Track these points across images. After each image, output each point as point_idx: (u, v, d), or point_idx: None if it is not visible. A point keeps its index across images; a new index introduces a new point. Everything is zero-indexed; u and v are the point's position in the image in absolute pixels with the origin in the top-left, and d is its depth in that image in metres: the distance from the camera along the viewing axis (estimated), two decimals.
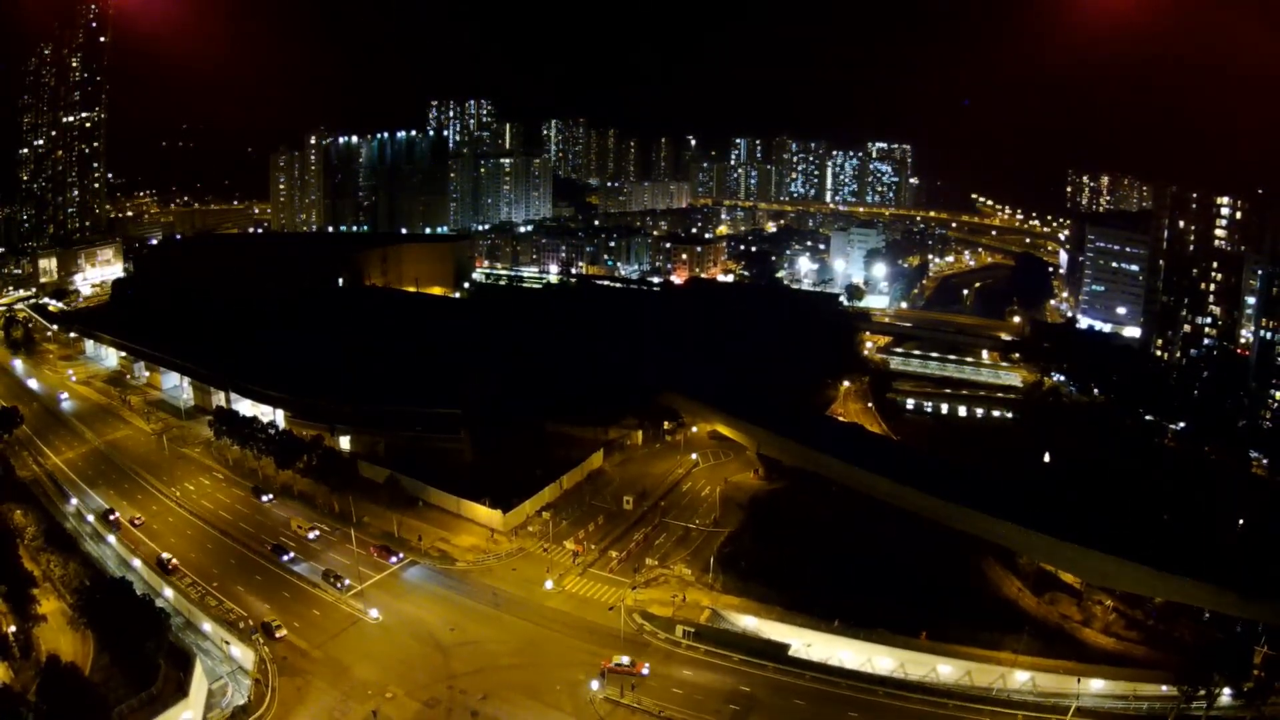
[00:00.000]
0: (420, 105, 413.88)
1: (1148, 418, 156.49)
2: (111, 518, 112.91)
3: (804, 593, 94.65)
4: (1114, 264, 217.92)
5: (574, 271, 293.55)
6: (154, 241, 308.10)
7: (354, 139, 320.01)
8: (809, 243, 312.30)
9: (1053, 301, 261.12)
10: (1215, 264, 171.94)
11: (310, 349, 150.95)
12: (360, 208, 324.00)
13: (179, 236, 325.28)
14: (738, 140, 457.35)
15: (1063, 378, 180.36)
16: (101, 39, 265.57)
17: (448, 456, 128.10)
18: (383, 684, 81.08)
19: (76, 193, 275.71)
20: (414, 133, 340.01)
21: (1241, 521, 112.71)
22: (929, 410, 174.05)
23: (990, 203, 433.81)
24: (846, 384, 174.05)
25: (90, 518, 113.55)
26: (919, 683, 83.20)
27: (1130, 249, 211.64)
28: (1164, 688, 79.67)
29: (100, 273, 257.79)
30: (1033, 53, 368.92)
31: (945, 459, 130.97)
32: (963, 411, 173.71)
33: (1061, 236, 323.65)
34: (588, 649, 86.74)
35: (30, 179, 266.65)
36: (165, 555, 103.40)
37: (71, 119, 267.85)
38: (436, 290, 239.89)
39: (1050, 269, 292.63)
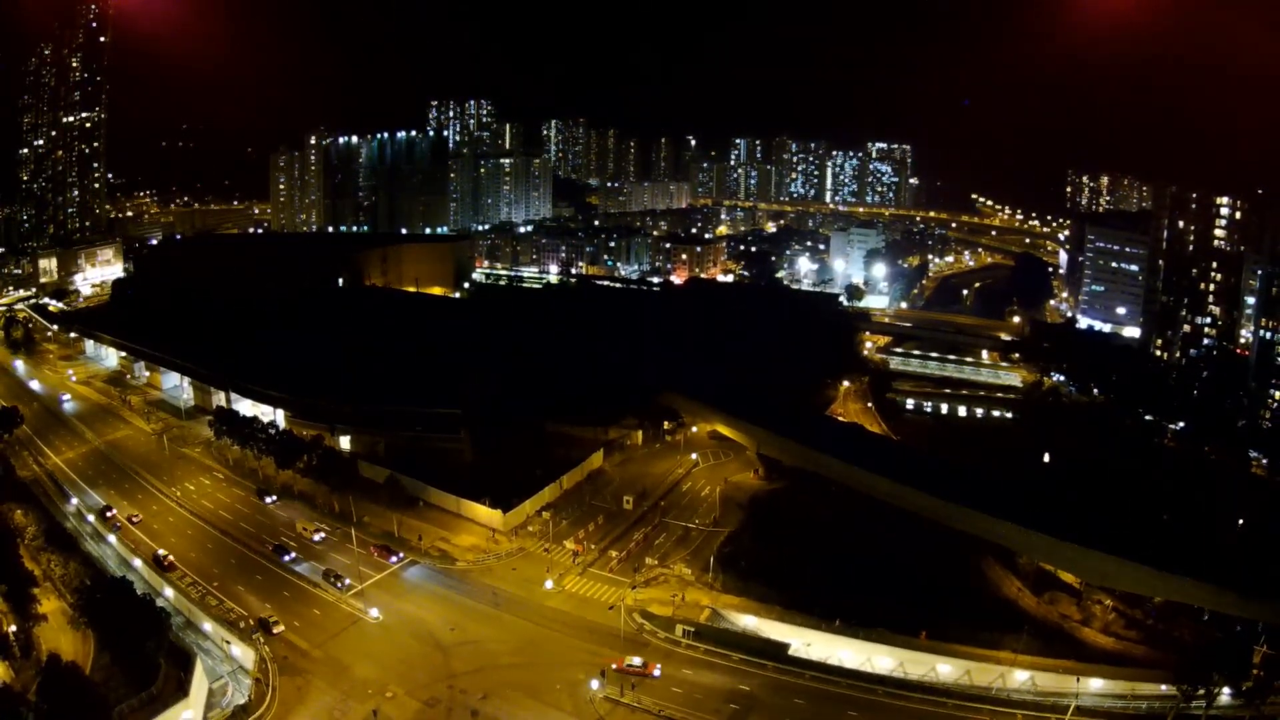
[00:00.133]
0: (420, 105, 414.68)
1: (1147, 418, 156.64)
2: (108, 515, 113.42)
3: (804, 592, 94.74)
4: (1114, 264, 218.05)
5: (574, 271, 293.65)
6: (154, 241, 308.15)
7: (354, 139, 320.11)
8: (809, 243, 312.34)
9: (1052, 301, 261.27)
10: (1215, 264, 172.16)
11: (310, 349, 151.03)
12: (360, 208, 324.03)
13: (179, 236, 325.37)
14: (738, 140, 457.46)
15: (1062, 378, 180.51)
16: (101, 39, 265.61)
17: (448, 456, 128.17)
18: (383, 683, 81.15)
19: (76, 193, 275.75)
20: (414, 133, 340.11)
21: (1241, 521, 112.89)
22: (929, 410, 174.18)
23: (990, 203, 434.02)
24: (846, 384, 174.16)
25: (90, 517, 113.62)
26: (919, 682, 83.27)
27: (1130, 249, 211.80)
28: (1163, 687, 79.74)
29: (100, 273, 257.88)
30: (1033, 53, 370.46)
31: (945, 459, 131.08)
32: (963, 411, 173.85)
33: (1061, 236, 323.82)
34: (588, 648, 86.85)
35: (30, 179, 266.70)
36: (161, 552, 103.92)
37: (71, 119, 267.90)
38: (436, 290, 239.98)
39: (1050, 269, 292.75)
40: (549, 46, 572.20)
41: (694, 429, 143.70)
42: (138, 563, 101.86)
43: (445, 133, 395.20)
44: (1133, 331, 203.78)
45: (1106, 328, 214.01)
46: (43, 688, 73.22)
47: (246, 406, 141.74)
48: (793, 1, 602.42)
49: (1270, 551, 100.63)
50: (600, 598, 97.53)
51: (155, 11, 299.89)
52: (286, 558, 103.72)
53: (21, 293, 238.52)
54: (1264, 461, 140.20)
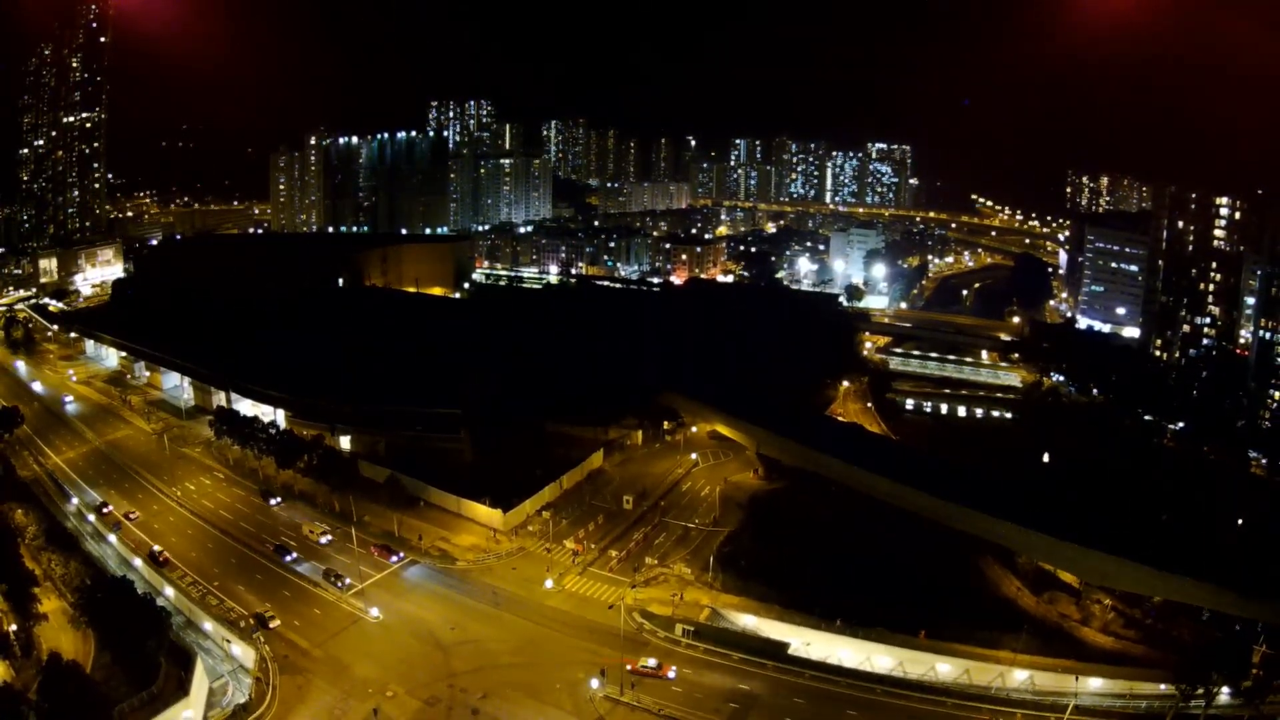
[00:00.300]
0: (420, 105, 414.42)
1: (1147, 418, 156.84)
2: (104, 511, 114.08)
3: (804, 592, 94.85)
4: (1113, 264, 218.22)
5: (574, 272, 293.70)
6: (154, 242, 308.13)
7: (354, 139, 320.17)
8: (809, 243, 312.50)
9: (1052, 302, 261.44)
10: (1214, 264, 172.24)
11: (310, 349, 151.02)
12: (360, 208, 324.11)
13: (179, 237, 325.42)
14: (737, 141, 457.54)
15: (1062, 378, 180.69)
16: (101, 39, 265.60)
17: (448, 456, 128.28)
18: (383, 682, 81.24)
19: (76, 193, 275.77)
20: (414, 133, 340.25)
21: (1241, 521, 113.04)
22: (928, 410, 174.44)
23: (990, 203, 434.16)
24: (846, 384, 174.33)
25: (90, 517, 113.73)
26: (918, 681, 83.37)
27: (1129, 249, 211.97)
28: (1162, 686, 79.78)
29: (100, 273, 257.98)
30: (1033, 53, 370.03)
31: (945, 459, 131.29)
32: (962, 411, 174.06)
33: (1061, 237, 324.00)
34: (588, 648, 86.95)
35: (30, 179, 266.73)
36: (157, 548, 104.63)
37: (72, 119, 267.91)
38: (436, 290, 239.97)
39: (1050, 269, 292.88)
40: (549, 46, 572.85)
41: (694, 429, 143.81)
42: (138, 562, 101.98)
43: (445, 133, 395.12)
44: (1132, 332, 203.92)
45: (1106, 328, 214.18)
46: (43, 687, 73.26)
47: (247, 406, 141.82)
48: (793, 1, 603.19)
49: (1270, 551, 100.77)
50: (600, 597, 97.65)
51: (155, 11, 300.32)
52: (288, 558, 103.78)
53: (22, 293, 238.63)
54: (1263, 461, 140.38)
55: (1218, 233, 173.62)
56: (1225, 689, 77.87)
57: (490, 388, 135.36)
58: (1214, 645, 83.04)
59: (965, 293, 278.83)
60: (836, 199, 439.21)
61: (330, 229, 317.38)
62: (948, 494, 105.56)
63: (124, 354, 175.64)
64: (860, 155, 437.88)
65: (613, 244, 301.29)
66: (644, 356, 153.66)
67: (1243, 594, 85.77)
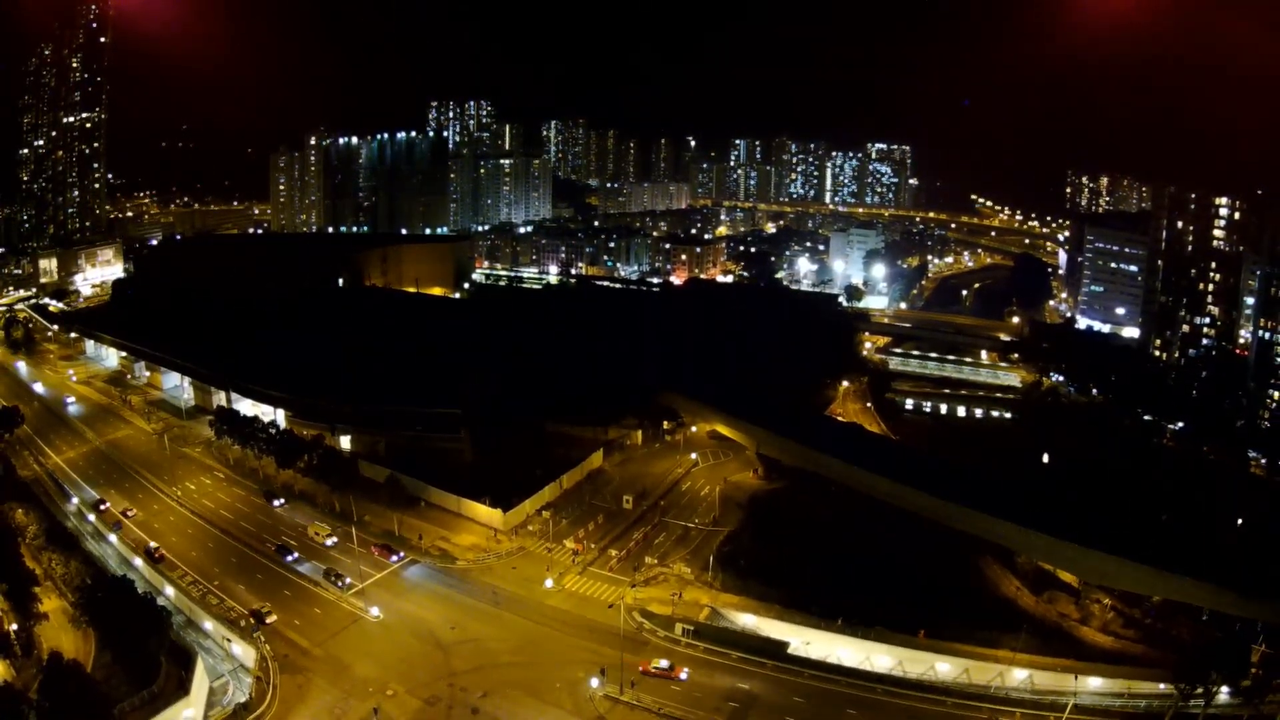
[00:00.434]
0: (420, 105, 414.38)
1: (1146, 418, 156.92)
2: (102, 508, 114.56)
3: (803, 592, 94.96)
4: (1113, 264, 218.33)
5: (574, 272, 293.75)
6: (154, 242, 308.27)
7: (354, 139, 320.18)
8: (808, 243, 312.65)
9: (1052, 302, 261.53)
10: (1214, 264, 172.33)
11: (310, 349, 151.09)
12: (360, 208, 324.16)
13: (179, 237, 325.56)
14: (737, 141, 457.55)
15: (1061, 378, 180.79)
16: (101, 39, 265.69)
17: (448, 456, 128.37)
18: (384, 682, 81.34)
19: (76, 193, 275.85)
20: (414, 133, 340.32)
21: (1240, 521, 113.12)
22: (928, 410, 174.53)
23: (990, 203, 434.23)
24: (846, 384, 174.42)
25: (91, 516, 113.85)
26: (917, 680, 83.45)
27: (1129, 249, 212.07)
28: (1161, 686, 79.84)
29: (100, 273, 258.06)
30: (1033, 53, 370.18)
31: (945, 459, 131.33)
32: (962, 411, 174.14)
33: (1061, 237, 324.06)
34: (588, 647, 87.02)
35: (30, 179, 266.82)
36: (153, 545, 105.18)
37: (72, 119, 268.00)
38: (436, 290, 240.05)
39: (1049, 270, 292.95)
40: (549, 46, 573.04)
41: (694, 429, 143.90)
42: (138, 561, 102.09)
43: (445, 133, 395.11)
44: (1132, 332, 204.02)
45: (1106, 328, 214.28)
46: (44, 686, 73.35)
47: (247, 406, 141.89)
48: (793, 1, 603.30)
49: (1269, 551, 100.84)
50: (600, 596, 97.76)
51: (155, 11, 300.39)
52: (289, 558, 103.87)
53: (22, 293, 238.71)
54: (1263, 461, 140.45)
55: (1217, 233, 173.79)
56: (1224, 688, 77.92)
57: (490, 388, 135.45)
58: (1213, 645, 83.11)
59: (965, 293, 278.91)
60: (836, 199, 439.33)
61: (330, 229, 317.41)
62: (948, 494, 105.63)
63: (124, 354, 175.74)
64: (860, 155, 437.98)
65: (613, 244, 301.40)
66: (644, 356, 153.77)
67: (1242, 594, 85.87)
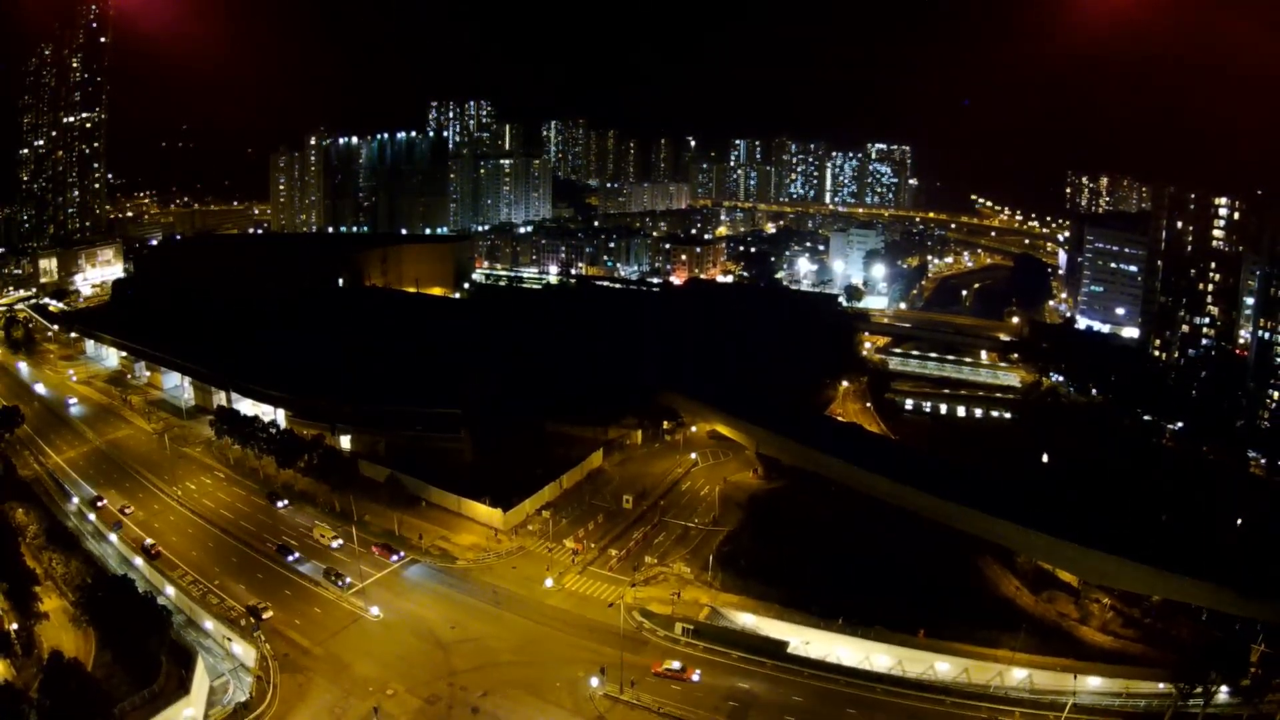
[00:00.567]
0: (420, 105, 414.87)
1: (1146, 418, 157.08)
2: (99, 504, 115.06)
3: (803, 591, 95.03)
4: (1113, 265, 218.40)
5: (574, 272, 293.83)
6: (154, 242, 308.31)
7: (354, 139, 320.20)
8: (808, 244, 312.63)
9: (1051, 302, 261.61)
10: (1213, 264, 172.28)
11: (310, 349, 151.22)
12: (360, 208, 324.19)
13: (179, 237, 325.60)
14: (737, 141, 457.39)
15: (1061, 378, 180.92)
16: (102, 39, 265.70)
17: (448, 456, 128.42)
18: (384, 681, 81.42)
19: (76, 193, 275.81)
20: (414, 133, 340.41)
21: (1240, 521, 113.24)
22: (928, 410, 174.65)
23: (990, 204, 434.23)
24: (845, 384, 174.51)
25: (91, 516, 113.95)
26: (917, 680, 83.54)
27: (1129, 250, 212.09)
28: (1160, 685, 79.99)
29: (100, 273, 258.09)
30: (1033, 53, 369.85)
31: (944, 459, 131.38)
32: (961, 411, 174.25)
33: (1061, 237, 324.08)
34: (588, 646, 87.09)
35: (30, 179, 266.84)
36: (149, 541, 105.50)
37: (72, 119, 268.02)
38: (436, 291, 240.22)
39: (1049, 270, 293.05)
40: (549, 46, 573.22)
41: (693, 429, 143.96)
42: (139, 561, 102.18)
43: (445, 133, 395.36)
44: (1131, 332, 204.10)
45: (1105, 328, 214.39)
46: (45, 685, 73.45)
47: (247, 406, 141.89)
48: (793, 1, 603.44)
49: (1269, 551, 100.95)
50: (600, 596, 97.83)
51: (155, 11, 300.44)
52: (290, 558, 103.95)
53: (22, 293, 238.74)
54: (1262, 461, 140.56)
55: (1217, 233, 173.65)
56: (1224, 688, 78.01)
57: (490, 388, 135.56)
58: (1213, 644, 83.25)
59: (965, 293, 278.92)
60: (836, 199, 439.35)
61: (330, 229, 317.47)
62: (947, 494, 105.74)
63: (124, 354, 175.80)
64: (860, 156, 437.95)
65: (613, 244, 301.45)
66: (644, 356, 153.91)
67: (1242, 593, 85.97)
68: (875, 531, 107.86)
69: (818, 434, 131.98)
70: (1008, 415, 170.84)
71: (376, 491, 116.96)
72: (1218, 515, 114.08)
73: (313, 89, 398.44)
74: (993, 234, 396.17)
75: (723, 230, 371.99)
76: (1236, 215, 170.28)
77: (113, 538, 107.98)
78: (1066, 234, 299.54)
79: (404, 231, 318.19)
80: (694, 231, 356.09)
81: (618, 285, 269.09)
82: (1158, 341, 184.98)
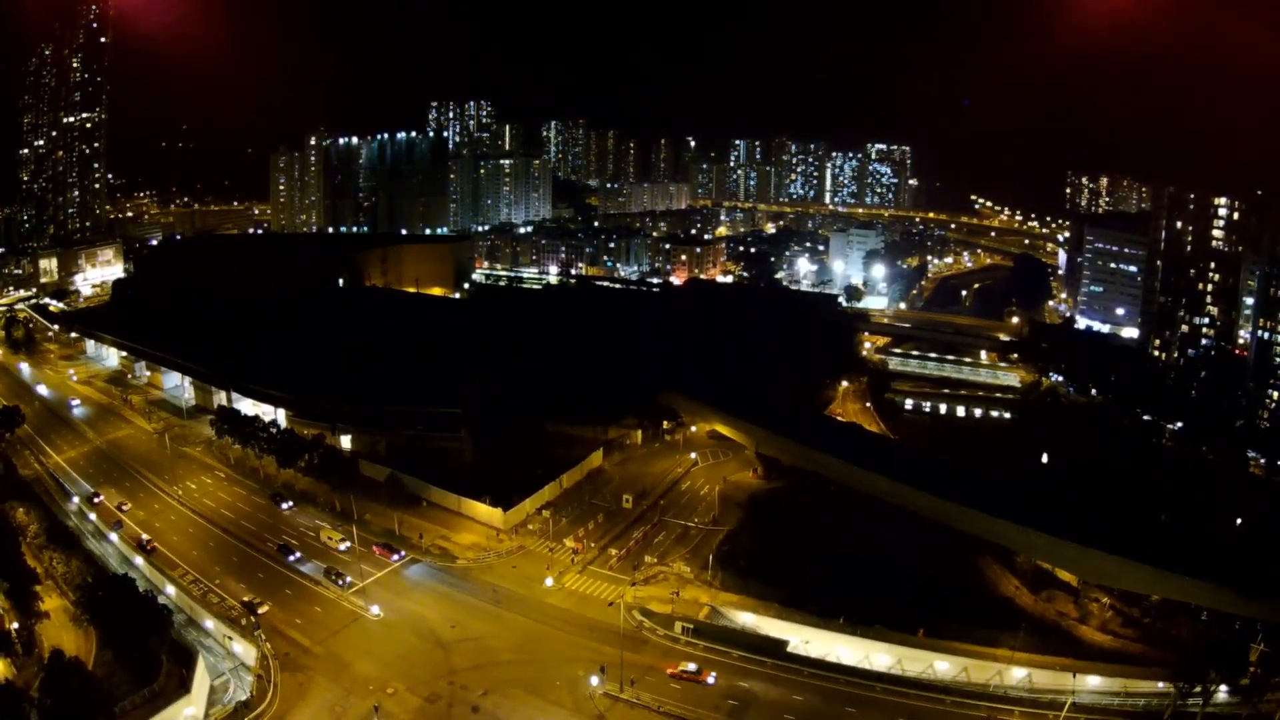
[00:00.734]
0: (420, 105, 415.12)
1: (1146, 418, 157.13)
2: (96, 500, 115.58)
3: (803, 591, 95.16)
4: (1112, 265, 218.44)
5: (573, 272, 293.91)
6: (154, 242, 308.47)
7: (354, 139, 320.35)
8: (808, 244, 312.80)
9: (1051, 302, 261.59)
10: (1213, 264, 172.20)
11: (311, 349, 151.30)
12: (360, 208, 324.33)
13: (179, 237, 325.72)
14: (737, 141, 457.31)
15: (1061, 378, 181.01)
16: (102, 39, 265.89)
17: (448, 455, 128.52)
18: (384, 680, 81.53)
19: (77, 193, 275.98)
20: (414, 133, 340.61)
21: (1240, 521, 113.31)
22: (928, 410, 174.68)
23: (989, 204, 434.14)
24: (845, 384, 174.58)
25: (92, 515, 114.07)
26: (916, 679, 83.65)
27: (1129, 250, 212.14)
28: (1160, 684, 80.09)
29: (100, 273, 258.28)
30: (1033, 53, 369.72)
31: (944, 459, 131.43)
32: (961, 411, 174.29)
33: (1060, 238, 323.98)
34: (587, 645, 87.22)
35: (30, 179, 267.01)
36: (145, 537, 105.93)
37: (72, 119, 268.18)
38: (436, 291, 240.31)
39: (1049, 270, 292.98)
40: (549, 46, 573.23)
41: (693, 428, 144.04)
42: (139, 560, 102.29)
43: (445, 133, 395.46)
44: (1131, 332, 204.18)
45: (1105, 328, 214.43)
46: (45, 684, 73.64)
47: (247, 406, 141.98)
48: (793, 1, 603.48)
49: (1269, 551, 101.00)
50: (600, 595, 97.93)
51: (155, 11, 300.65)
52: (292, 557, 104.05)
53: (22, 293, 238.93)
54: (1262, 461, 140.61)
55: (1216, 233, 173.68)
56: (1223, 687, 78.09)
57: (490, 388, 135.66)
58: (1212, 644, 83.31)
59: (964, 293, 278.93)
60: (836, 200, 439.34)
61: (330, 229, 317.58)
62: (947, 493, 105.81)
63: (124, 354, 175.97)
64: (860, 156, 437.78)
65: (612, 244, 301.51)
66: (644, 356, 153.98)
67: (1241, 593, 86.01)
68: (875, 531, 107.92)
69: (818, 434, 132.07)
70: (1007, 415, 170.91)
71: (377, 491, 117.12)
72: (1218, 515, 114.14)
73: (313, 89, 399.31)
74: (992, 234, 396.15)
75: (723, 230, 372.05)
76: (1236, 215, 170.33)
77: (113, 537, 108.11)
78: (1066, 234, 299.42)
79: (404, 231, 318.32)
80: (694, 232, 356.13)
81: (618, 285, 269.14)
82: (1157, 341, 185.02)
